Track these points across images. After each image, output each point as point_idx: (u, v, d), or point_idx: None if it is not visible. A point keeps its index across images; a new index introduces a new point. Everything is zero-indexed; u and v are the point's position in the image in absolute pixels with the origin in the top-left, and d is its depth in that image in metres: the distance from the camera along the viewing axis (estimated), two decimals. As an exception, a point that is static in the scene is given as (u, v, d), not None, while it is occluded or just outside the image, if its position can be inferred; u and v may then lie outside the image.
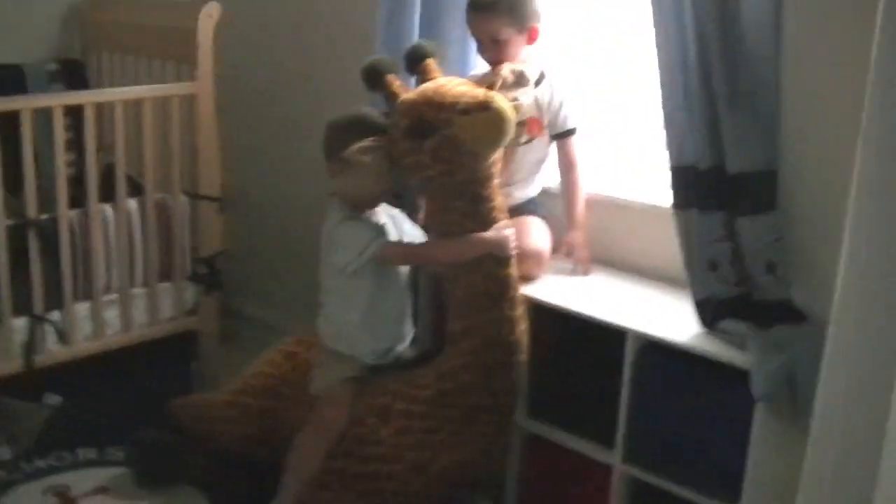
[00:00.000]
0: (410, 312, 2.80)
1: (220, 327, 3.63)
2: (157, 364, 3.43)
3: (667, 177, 2.47)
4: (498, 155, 2.52)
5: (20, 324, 3.07)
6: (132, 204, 3.29)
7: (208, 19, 3.34)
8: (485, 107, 2.35)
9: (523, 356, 2.59)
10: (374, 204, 2.68)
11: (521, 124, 2.77)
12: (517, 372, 2.58)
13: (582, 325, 2.58)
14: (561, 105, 2.85)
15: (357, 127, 2.57)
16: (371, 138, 2.52)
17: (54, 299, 3.13)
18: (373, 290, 2.64)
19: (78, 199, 3.36)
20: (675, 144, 2.43)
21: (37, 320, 3.09)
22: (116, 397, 3.28)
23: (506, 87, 2.47)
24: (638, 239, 2.84)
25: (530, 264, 2.73)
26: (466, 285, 2.52)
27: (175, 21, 3.45)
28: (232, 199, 3.49)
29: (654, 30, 2.41)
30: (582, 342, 2.63)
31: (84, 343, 3.23)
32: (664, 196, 2.60)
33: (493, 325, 2.51)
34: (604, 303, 2.62)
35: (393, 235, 2.69)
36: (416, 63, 2.63)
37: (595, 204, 2.89)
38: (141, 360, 3.37)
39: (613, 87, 2.99)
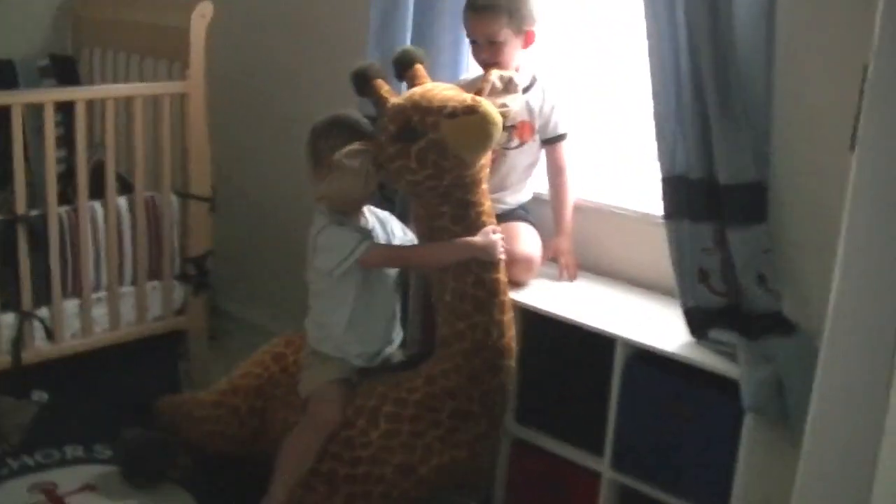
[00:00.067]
0: (399, 315, 2.81)
1: (209, 327, 3.62)
2: (145, 363, 3.41)
3: (657, 186, 2.49)
4: (486, 160, 2.52)
5: (8, 320, 3.05)
6: (122, 202, 3.28)
7: (201, 19, 3.33)
8: (472, 110, 2.35)
9: (512, 361, 2.59)
10: (360, 206, 2.69)
11: (511, 128, 2.79)
12: (506, 377, 2.58)
13: (571, 331, 2.59)
14: (552, 110, 2.86)
15: (342, 131, 2.59)
16: (357, 143, 2.53)
17: (42, 296, 3.12)
18: (360, 293, 2.64)
19: (67, 195, 3.36)
20: (666, 154, 2.45)
21: (25, 316, 3.08)
22: (104, 395, 3.26)
23: (494, 92, 2.48)
24: (628, 247, 2.86)
25: (520, 269, 2.74)
26: (455, 289, 2.53)
27: (167, 20, 3.43)
28: (215, 199, 3.48)
29: (647, 41, 2.42)
30: (571, 349, 2.64)
31: (72, 340, 3.22)
32: (654, 204, 2.62)
33: (482, 330, 2.52)
34: (593, 310, 2.63)
35: (381, 238, 2.70)
36: (404, 69, 2.64)
37: (585, 211, 2.90)
38: (129, 359, 3.36)
39: (604, 94, 3.00)
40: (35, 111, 3.14)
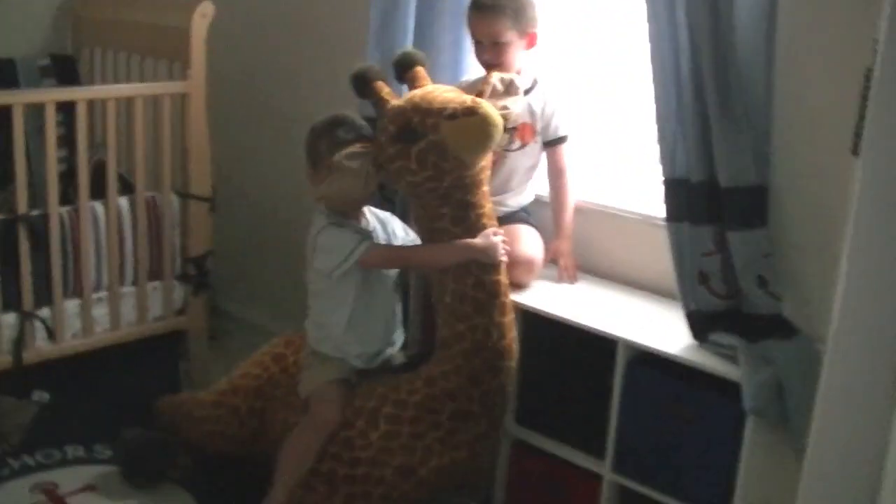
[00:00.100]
0: (399, 316, 2.81)
1: (209, 327, 3.62)
2: (146, 363, 3.42)
3: (659, 188, 2.49)
4: (486, 161, 2.53)
5: (9, 320, 3.05)
6: (122, 202, 3.28)
7: (201, 19, 3.33)
8: (472, 112, 2.35)
9: (513, 362, 2.59)
10: (359, 207, 2.70)
11: (512, 130, 2.79)
12: (507, 378, 2.58)
13: (573, 333, 2.59)
14: (553, 112, 2.86)
15: (341, 132, 2.59)
16: (357, 144, 2.53)
17: (43, 296, 3.12)
18: (360, 294, 2.64)
19: (68, 195, 3.36)
20: (667, 157, 2.45)
21: (26, 316, 3.08)
22: (104, 395, 3.27)
23: (495, 95, 2.48)
24: (629, 249, 2.86)
25: (521, 271, 2.74)
26: (455, 291, 2.53)
27: (168, 20, 3.43)
28: (215, 199, 3.48)
29: (648, 44, 2.42)
30: (572, 350, 2.64)
31: (72, 340, 3.22)
32: (655, 206, 2.62)
33: (482, 331, 2.52)
34: (595, 312, 2.63)
35: (381, 239, 2.70)
36: (404, 71, 2.64)
37: (586, 213, 2.90)
38: (129, 359, 3.36)
39: (605, 96, 3.00)
40: (36, 111, 3.14)
